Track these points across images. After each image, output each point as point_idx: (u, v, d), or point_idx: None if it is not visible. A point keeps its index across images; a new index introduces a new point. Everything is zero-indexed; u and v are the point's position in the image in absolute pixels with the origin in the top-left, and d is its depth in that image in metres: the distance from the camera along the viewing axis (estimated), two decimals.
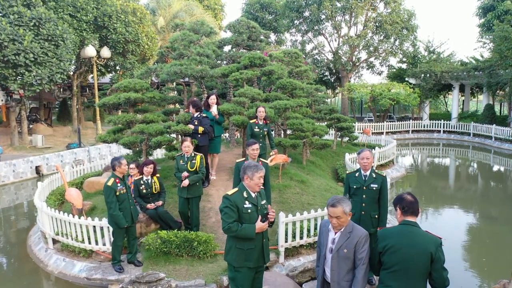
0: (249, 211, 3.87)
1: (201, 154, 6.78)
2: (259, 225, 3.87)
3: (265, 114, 7.92)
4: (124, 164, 5.80)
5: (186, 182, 6.36)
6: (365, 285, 3.45)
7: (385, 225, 5.25)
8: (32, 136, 16.74)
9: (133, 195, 6.35)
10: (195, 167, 6.51)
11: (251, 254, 3.92)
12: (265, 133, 7.95)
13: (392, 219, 8.47)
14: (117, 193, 5.70)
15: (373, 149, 13.00)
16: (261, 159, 6.02)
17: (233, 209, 3.78)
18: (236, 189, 3.93)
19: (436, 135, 23.87)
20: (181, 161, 6.58)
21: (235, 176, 5.85)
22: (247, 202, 3.87)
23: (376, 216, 5.22)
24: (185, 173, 6.42)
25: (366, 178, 5.19)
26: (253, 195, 3.93)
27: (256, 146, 5.79)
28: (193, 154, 6.63)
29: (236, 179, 5.68)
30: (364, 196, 5.20)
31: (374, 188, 5.15)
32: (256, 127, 7.79)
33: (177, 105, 11.03)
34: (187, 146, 6.58)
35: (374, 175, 5.19)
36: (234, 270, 3.95)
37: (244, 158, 6.06)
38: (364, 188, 5.19)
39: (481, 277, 6.38)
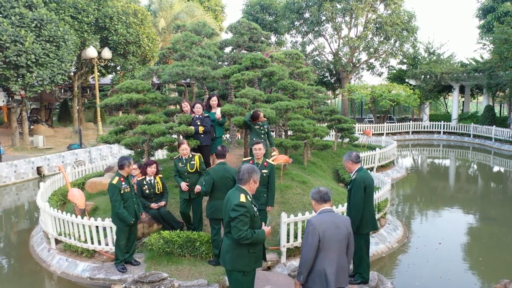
0: (257, 214, 3.95)
1: (199, 154, 6.77)
2: (267, 229, 3.99)
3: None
4: (133, 165, 6.06)
5: (185, 187, 6.40)
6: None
7: (357, 231, 5.12)
8: (33, 137, 16.78)
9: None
10: (195, 168, 6.49)
11: (259, 255, 4.01)
12: (266, 130, 8.05)
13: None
14: (122, 192, 5.75)
15: (373, 150, 13.06)
16: (267, 160, 6.06)
17: (248, 216, 3.77)
18: (243, 195, 3.83)
19: (436, 136, 23.92)
20: (180, 163, 6.52)
21: None
22: (253, 206, 3.91)
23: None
24: (184, 185, 6.39)
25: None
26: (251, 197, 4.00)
27: (259, 146, 5.88)
28: (190, 155, 6.58)
29: None
30: (347, 196, 5.49)
31: (347, 189, 5.43)
32: (257, 126, 7.91)
33: (178, 106, 11.05)
34: (185, 149, 6.54)
35: (353, 177, 5.33)
36: (243, 275, 3.93)
37: (250, 158, 6.11)
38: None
39: (482, 277, 6.40)
